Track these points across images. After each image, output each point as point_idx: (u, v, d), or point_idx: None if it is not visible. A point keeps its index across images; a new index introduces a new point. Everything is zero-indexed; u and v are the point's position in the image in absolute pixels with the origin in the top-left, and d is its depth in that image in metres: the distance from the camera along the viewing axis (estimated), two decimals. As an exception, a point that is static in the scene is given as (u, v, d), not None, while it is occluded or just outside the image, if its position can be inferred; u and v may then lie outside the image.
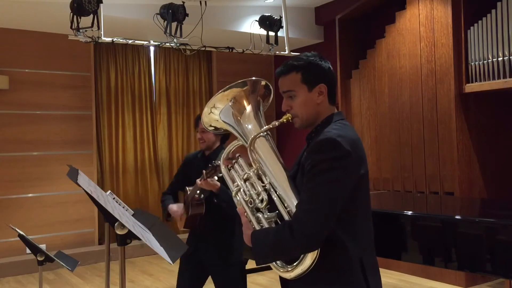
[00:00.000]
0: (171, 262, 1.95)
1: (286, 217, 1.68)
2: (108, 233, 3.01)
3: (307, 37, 7.00)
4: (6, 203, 6.16)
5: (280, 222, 1.71)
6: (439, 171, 5.13)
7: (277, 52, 5.34)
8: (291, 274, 1.67)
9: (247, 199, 1.76)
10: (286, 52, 5.42)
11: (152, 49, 7.23)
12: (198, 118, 3.16)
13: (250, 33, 5.10)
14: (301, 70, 1.75)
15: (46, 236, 6.28)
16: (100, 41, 4.26)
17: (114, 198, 2.61)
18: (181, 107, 7.47)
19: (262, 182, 1.75)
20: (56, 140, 6.49)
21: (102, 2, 4.06)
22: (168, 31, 4.52)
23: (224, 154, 1.93)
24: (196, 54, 7.16)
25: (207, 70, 7.71)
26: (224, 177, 1.91)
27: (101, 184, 6.81)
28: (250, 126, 1.82)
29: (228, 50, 5.11)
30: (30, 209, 6.29)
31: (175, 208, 3.21)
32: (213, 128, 1.93)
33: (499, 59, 4.66)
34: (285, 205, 1.69)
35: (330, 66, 1.81)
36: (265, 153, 1.76)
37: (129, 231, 1.94)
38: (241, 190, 1.78)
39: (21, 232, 3.05)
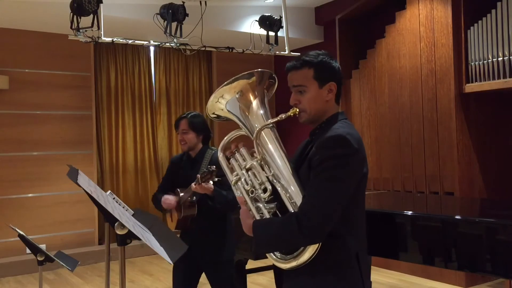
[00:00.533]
0: (171, 262, 1.96)
1: (290, 208, 1.72)
2: (108, 233, 3.01)
3: (307, 37, 7.00)
4: (6, 203, 6.16)
5: (279, 213, 1.75)
6: (439, 171, 5.13)
7: (277, 52, 5.34)
8: (288, 265, 1.72)
9: (248, 188, 1.79)
10: (286, 52, 5.42)
11: (152, 49, 7.23)
12: (177, 121, 3.20)
13: (250, 33, 5.10)
14: (314, 67, 1.79)
15: (46, 236, 6.28)
16: (100, 41, 4.25)
17: (114, 198, 2.61)
18: (181, 107, 7.47)
19: (266, 173, 1.77)
20: (56, 140, 6.49)
21: (102, 2, 4.06)
22: (168, 31, 4.52)
23: (222, 142, 1.95)
24: (196, 54, 7.16)
25: (207, 70, 7.71)
26: (221, 165, 1.92)
27: (101, 184, 6.81)
28: (256, 118, 1.85)
29: (228, 50, 5.10)
30: (30, 209, 6.29)
31: (167, 201, 3.15)
32: (215, 116, 1.96)
33: (499, 59, 4.66)
34: (289, 196, 1.73)
35: (339, 66, 1.86)
36: (270, 144, 1.80)
37: (129, 231, 1.94)
38: (242, 179, 1.81)
39: (21, 232, 3.05)
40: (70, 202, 6.51)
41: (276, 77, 1.96)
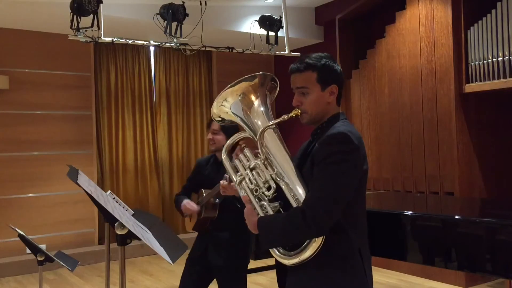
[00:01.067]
0: (171, 262, 1.96)
1: (294, 205, 1.77)
2: (108, 233, 3.01)
3: (307, 37, 7.00)
4: (6, 203, 6.16)
5: (282, 211, 1.81)
6: (439, 171, 5.13)
7: (277, 52, 5.33)
8: (291, 261, 1.77)
9: (252, 187, 1.85)
10: (286, 52, 5.42)
11: (152, 49, 7.23)
12: (211, 120, 3.16)
13: (250, 33, 5.10)
14: (317, 70, 1.85)
15: (46, 236, 6.28)
16: (100, 41, 4.25)
17: (114, 198, 2.61)
18: (181, 107, 7.47)
19: (269, 171, 1.83)
20: (56, 140, 6.49)
21: (102, 2, 4.06)
22: (168, 31, 4.52)
23: (227, 144, 1.99)
24: (196, 54, 7.16)
25: (207, 70, 7.71)
26: (225, 166, 1.97)
27: (101, 184, 6.81)
28: (258, 120, 1.91)
29: (228, 50, 5.10)
30: (30, 209, 6.29)
31: (188, 206, 3.14)
32: (220, 119, 2.01)
33: (499, 59, 4.66)
34: (292, 193, 1.79)
35: (341, 69, 1.91)
36: (273, 144, 1.86)
37: (129, 231, 1.94)
38: (246, 179, 1.87)
39: (21, 232, 3.05)
40: (70, 202, 6.51)
41: (278, 81, 2.00)
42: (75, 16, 4.02)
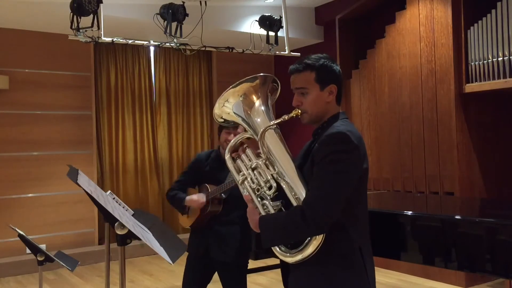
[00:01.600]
0: (171, 262, 1.96)
1: (295, 203, 1.80)
2: (108, 233, 3.01)
3: (307, 37, 7.00)
4: (6, 203, 6.16)
5: (284, 210, 1.83)
6: (439, 171, 5.13)
7: (277, 52, 5.33)
8: (293, 259, 1.79)
9: (254, 186, 1.87)
10: (286, 52, 5.42)
11: (152, 49, 7.23)
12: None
13: (250, 33, 5.10)
14: (316, 70, 1.87)
15: (46, 236, 6.28)
16: (100, 41, 4.25)
17: (114, 198, 2.61)
18: (181, 107, 7.47)
19: (270, 171, 1.85)
20: (56, 140, 6.49)
21: (102, 2, 4.06)
22: (168, 31, 4.52)
23: (229, 145, 2.01)
24: (196, 54, 7.16)
25: (207, 70, 7.71)
26: (228, 166, 1.99)
27: (101, 184, 6.81)
28: (260, 120, 1.93)
29: (228, 50, 5.10)
30: (30, 209, 6.29)
31: (195, 197, 3.08)
32: (222, 120, 2.04)
33: (499, 59, 4.66)
34: (293, 192, 1.81)
35: (340, 69, 1.93)
36: (274, 144, 1.88)
37: (129, 231, 1.94)
38: (248, 178, 1.89)
39: (21, 232, 3.05)
40: (70, 202, 6.50)
41: (279, 82, 2.02)
42: (75, 16, 4.02)
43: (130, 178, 7.04)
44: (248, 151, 1.93)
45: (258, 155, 1.90)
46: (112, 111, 6.91)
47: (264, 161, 1.87)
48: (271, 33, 5.21)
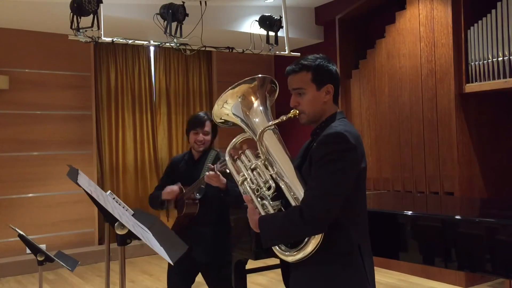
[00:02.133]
0: (171, 262, 1.96)
1: (293, 203, 1.82)
2: (108, 233, 3.01)
3: (307, 37, 7.00)
4: (6, 203, 6.16)
5: (283, 209, 1.85)
6: (439, 171, 5.13)
7: (277, 52, 5.33)
8: (293, 258, 1.82)
9: (253, 187, 1.89)
10: (286, 52, 5.42)
11: (152, 49, 7.23)
12: (200, 119, 3.12)
13: (250, 33, 5.10)
14: (312, 70, 1.89)
15: (46, 236, 6.28)
16: (100, 41, 4.25)
17: (114, 198, 2.61)
18: (181, 107, 7.47)
19: (269, 171, 1.88)
20: (56, 140, 6.49)
21: (102, 2, 4.06)
22: (168, 31, 4.52)
23: (229, 146, 2.02)
24: (196, 54, 7.16)
25: (207, 70, 7.71)
26: (228, 167, 2.02)
27: (101, 184, 6.81)
28: (258, 120, 1.95)
29: (228, 50, 5.10)
30: (30, 209, 6.29)
31: (168, 189, 3.09)
32: (222, 121, 2.06)
33: (499, 59, 4.66)
34: (292, 192, 1.83)
35: (337, 68, 1.95)
36: (273, 145, 1.90)
37: (129, 231, 1.94)
38: (248, 179, 1.91)
39: (21, 232, 3.05)
40: (70, 202, 6.51)
41: (277, 83, 2.04)
42: (75, 16, 4.02)
43: (130, 178, 7.04)
44: (248, 152, 1.95)
45: (257, 156, 1.92)
46: (112, 111, 6.91)
47: (263, 161, 1.89)
48: (271, 33, 5.21)
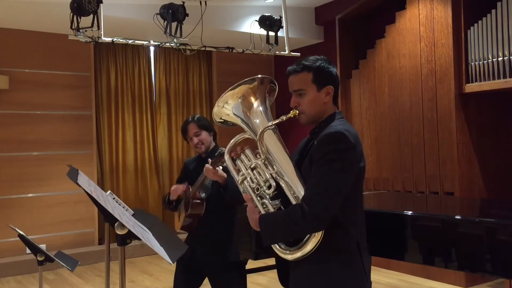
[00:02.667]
0: (171, 262, 1.96)
1: (294, 202, 1.84)
2: (108, 233, 3.01)
3: (307, 37, 7.00)
4: (6, 203, 6.16)
5: (283, 208, 1.87)
6: (439, 171, 5.13)
7: (277, 52, 5.33)
8: (293, 256, 1.84)
9: (253, 186, 1.91)
10: (286, 52, 5.41)
11: (152, 49, 7.23)
12: (184, 127, 3.14)
13: (250, 33, 5.10)
14: (312, 71, 1.92)
15: (46, 236, 6.28)
16: (100, 41, 4.25)
17: (114, 198, 2.61)
18: (181, 107, 7.47)
19: (270, 171, 1.90)
20: (56, 140, 6.49)
21: (102, 2, 4.06)
22: (168, 31, 4.52)
23: (229, 145, 2.03)
24: (196, 54, 7.16)
25: (207, 70, 7.71)
26: (227, 166, 2.03)
27: (101, 184, 6.81)
28: (258, 121, 1.97)
29: (228, 50, 5.10)
30: (30, 209, 6.29)
31: (172, 188, 3.12)
32: (221, 121, 2.08)
33: (499, 59, 4.66)
34: (292, 191, 1.85)
35: (337, 70, 1.99)
36: (273, 144, 1.92)
37: (129, 231, 1.94)
38: (248, 178, 1.93)
39: (21, 232, 3.05)
40: (70, 202, 6.51)
41: (276, 83, 2.06)
42: (75, 16, 4.02)
43: (130, 178, 7.04)
44: (247, 151, 1.97)
45: (257, 155, 1.94)
46: (112, 111, 6.92)
47: (263, 161, 1.91)
48: (271, 33, 5.21)
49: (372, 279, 2.02)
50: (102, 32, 4.23)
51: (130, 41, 4.65)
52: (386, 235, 2.73)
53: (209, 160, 2.86)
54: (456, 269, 2.52)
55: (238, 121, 2.02)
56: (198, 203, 3.05)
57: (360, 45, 6.25)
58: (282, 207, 1.88)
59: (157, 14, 4.54)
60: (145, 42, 4.82)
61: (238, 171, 1.98)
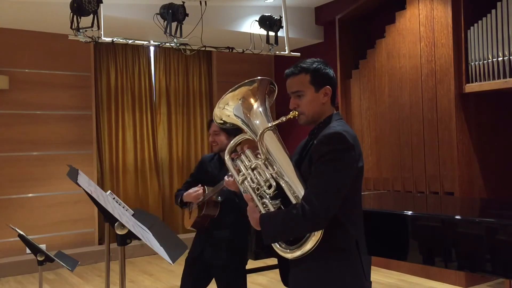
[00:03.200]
0: (171, 262, 1.96)
1: (294, 201, 1.88)
2: (108, 233, 3.01)
3: (307, 37, 7.00)
4: (6, 203, 6.16)
5: (283, 207, 1.90)
6: (439, 171, 5.13)
7: (277, 52, 5.33)
8: (293, 254, 1.88)
9: (254, 186, 1.95)
10: (286, 52, 5.42)
11: (152, 49, 7.23)
12: (210, 121, 3.18)
13: (250, 33, 5.10)
14: (310, 73, 1.98)
15: (46, 236, 6.28)
16: (100, 41, 4.25)
17: (114, 198, 2.61)
18: (181, 107, 7.47)
19: (270, 171, 1.93)
20: (56, 140, 6.49)
21: (102, 2, 4.06)
22: (168, 31, 4.52)
23: (229, 146, 2.07)
24: (196, 54, 7.17)
25: (207, 70, 7.71)
26: (227, 167, 2.06)
27: (101, 184, 6.81)
28: (258, 121, 2.01)
29: (228, 50, 5.10)
30: (30, 209, 6.29)
31: (191, 190, 3.09)
32: (221, 122, 2.12)
33: (499, 59, 4.66)
34: (292, 190, 1.89)
35: (334, 72, 2.03)
36: (273, 145, 1.95)
37: (129, 231, 1.94)
38: (248, 178, 1.96)
39: (21, 232, 3.05)
40: (70, 202, 6.51)
41: (276, 85, 2.09)
42: (75, 16, 4.02)
43: (130, 178, 7.04)
44: (248, 152, 2.00)
45: (257, 156, 1.97)
46: (112, 111, 6.92)
47: (263, 161, 1.94)
48: (271, 33, 5.21)
49: (372, 279, 2.03)
50: (102, 32, 4.23)
51: (130, 41, 4.65)
52: (386, 235, 2.73)
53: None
54: (456, 269, 2.52)
55: (238, 122, 2.05)
56: (214, 205, 3.05)
57: (360, 45, 6.24)
58: (282, 206, 1.91)
59: (157, 14, 4.55)
60: (145, 42, 4.82)
61: (239, 171, 2.01)
